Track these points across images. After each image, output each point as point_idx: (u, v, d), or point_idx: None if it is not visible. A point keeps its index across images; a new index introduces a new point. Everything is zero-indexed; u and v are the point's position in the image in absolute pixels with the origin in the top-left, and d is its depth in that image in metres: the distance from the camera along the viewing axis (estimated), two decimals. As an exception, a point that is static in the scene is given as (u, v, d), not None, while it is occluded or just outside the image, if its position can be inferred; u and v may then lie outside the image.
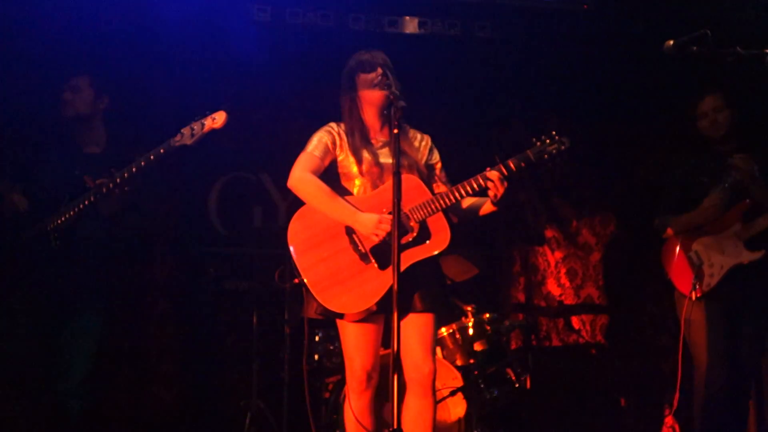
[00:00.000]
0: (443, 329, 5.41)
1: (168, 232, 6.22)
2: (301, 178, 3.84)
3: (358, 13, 6.07)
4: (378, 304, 3.71)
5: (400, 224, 3.33)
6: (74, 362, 4.26)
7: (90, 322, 4.35)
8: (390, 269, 3.66)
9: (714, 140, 4.75)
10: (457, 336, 5.40)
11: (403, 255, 3.68)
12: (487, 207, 3.89)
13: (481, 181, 3.72)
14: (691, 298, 4.58)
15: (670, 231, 4.79)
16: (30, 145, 4.77)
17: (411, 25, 6.14)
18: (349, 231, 3.80)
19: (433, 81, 6.53)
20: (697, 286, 4.56)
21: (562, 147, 3.75)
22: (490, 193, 3.74)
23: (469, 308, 5.44)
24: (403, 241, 3.72)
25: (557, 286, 6.83)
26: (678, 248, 4.72)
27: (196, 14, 5.92)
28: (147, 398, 6.06)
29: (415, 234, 3.75)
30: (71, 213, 4.16)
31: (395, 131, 3.42)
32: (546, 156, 3.73)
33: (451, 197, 3.74)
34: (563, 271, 6.85)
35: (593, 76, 6.61)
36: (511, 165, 3.71)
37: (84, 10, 5.72)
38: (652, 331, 6.71)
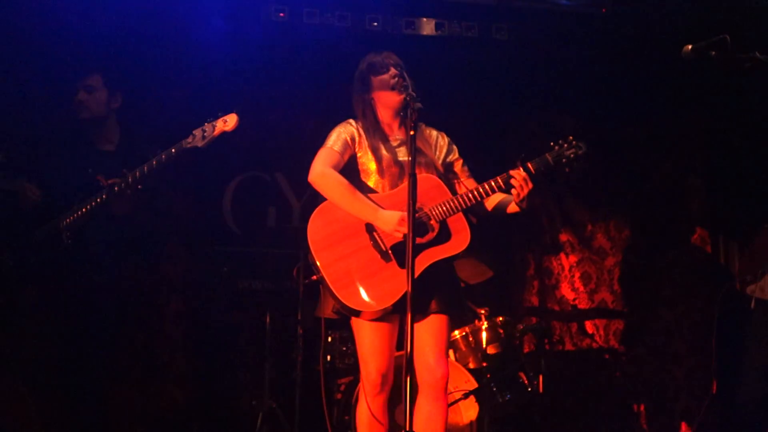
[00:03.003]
0: (456, 332, 5.40)
1: (182, 231, 6.24)
2: (323, 173, 3.82)
3: (375, 14, 6.06)
4: (395, 304, 3.70)
5: (415, 225, 3.32)
6: (87, 359, 4.27)
7: (102, 320, 4.36)
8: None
9: None
10: (470, 339, 5.40)
11: (423, 254, 3.69)
12: (513, 207, 3.88)
13: (500, 182, 3.72)
14: (736, 290, 4.36)
15: None
16: (43, 142, 4.79)
17: (428, 27, 6.13)
18: (370, 228, 3.79)
19: (450, 82, 6.53)
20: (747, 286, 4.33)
21: (579, 152, 3.77)
22: (514, 192, 3.74)
23: (483, 311, 5.43)
24: (424, 240, 3.72)
25: (571, 290, 6.80)
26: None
27: (212, 13, 5.94)
28: (159, 397, 6.07)
29: (435, 233, 3.74)
30: (83, 211, 4.17)
31: (411, 132, 3.42)
32: (564, 160, 3.76)
33: (472, 197, 3.74)
34: (577, 275, 6.82)
35: (610, 79, 6.58)
36: (531, 167, 3.73)
37: (98, 7, 5.74)
38: (666, 337, 6.67)
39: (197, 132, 4.01)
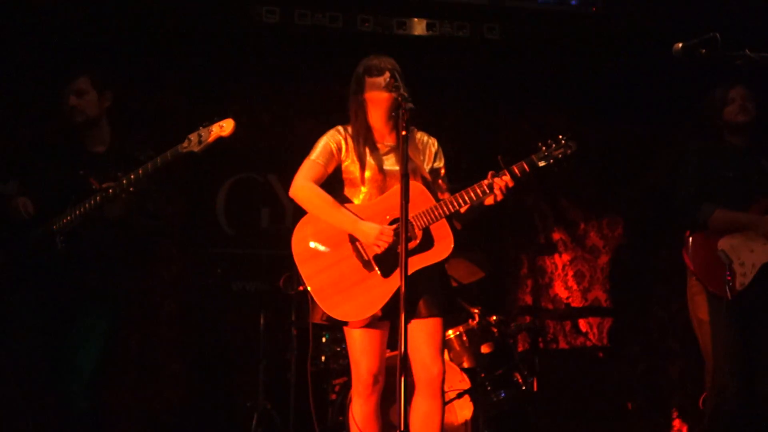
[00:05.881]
0: (450, 332, 5.40)
1: (176, 232, 6.23)
2: (303, 186, 3.84)
3: (367, 15, 6.06)
4: (383, 310, 3.72)
5: (407, 228, 3.32)
6: (82, 362, 4.25)
7: (97, 322, 4.34)
8: (393, 276, 3.68)
9: (737, 127, 4.65)
10: (464, 338, 5.40)
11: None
12: (490, 200, 3.82)
13: (485, 188, 3.70)
14: (726, 297, 4.46)
15: (713, 222, 4.54)
16: (35, 144, 4.77)
17: (419, 27, 6.13)
18: (353, 239, 3.80)
19: (442, 83, 6.53)
20: (731, 285, 4.45)
21: (569, 151, 3.73)
22: (496, 191, 3.72)
23: (476, 310, 5.43)
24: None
25: (564, 289, 6.81)
26: (708, 246, 4.59)
27: (204, 15, 5.94)
28: (154, 398, 6.07)
29: (418, 241, 3.74)
30: (76, 214, 4.15)
31: (403, 133, 3.42)
32: (552, 161, 3.72)
33: (455, 204, 3.73)
34: (570, 273, 6.83)
35: (601, 78, 6.60)
36: (516, 170, 3.70)
37: (90, 9, 5.73)
38: (660, 335, 6.70)
39: (193, 136, 3.97)
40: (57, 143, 4.53)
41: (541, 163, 3.72)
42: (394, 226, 3.68)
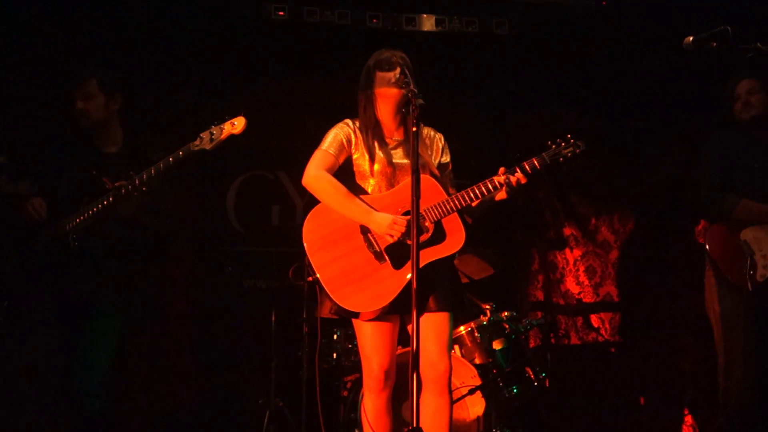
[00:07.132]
0: (461, 327, 5.40)
1: (186, 230, 6.23)
2: (316, 176, 3.83)
3: (376, 11, 6.06)
4: (392, 304, 3.71)
5: (418, 222, 3.32)
6: (94, 361, 4.27)
7: (109, 322, 4.36)
8: (404, 268, 3.67)
9: (746, 122, 4.68)
10: (476, 334, 5.39)
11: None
12: (501, 195, 3.86)
13: (497, 183, 3.72)
14: (746, 289, 4.44)
15: (738, 213, 4.55)
16: (47, 144, 4.79)
17: (428, 23, 6.13)
18: (364, 230, 3.80)
19: (451, 78, 6.53)
20: (751, 276, 4.43)
21: (577, 150, 3.78)
22: (505, 188, 3.75)
23: (488, 306, 5.42)
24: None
25: (576, 284, 6.80)
26: (730, 236, 4.56)
27: (213, 12, 5.94)
28: (166, 397, 6.08)
29: (430, 234, 3.74)
30: (89, 213, 4.17)
31: (414, 129, 3.41)
32: (561, 159, 3.76)
33: (467, 198, 3.73)
34: (582, 268, 6.82)
35: (612, 73, 6.58)
36: (527, 167, 3.73)
37: (101, 8, 5.74)
38: (672, 329, 6.67)
39: (204, 135, 4.00)
40: (70, 143, 4.55)
41: (551, 162, 3.75)
42: (407, 217, 3.68)
